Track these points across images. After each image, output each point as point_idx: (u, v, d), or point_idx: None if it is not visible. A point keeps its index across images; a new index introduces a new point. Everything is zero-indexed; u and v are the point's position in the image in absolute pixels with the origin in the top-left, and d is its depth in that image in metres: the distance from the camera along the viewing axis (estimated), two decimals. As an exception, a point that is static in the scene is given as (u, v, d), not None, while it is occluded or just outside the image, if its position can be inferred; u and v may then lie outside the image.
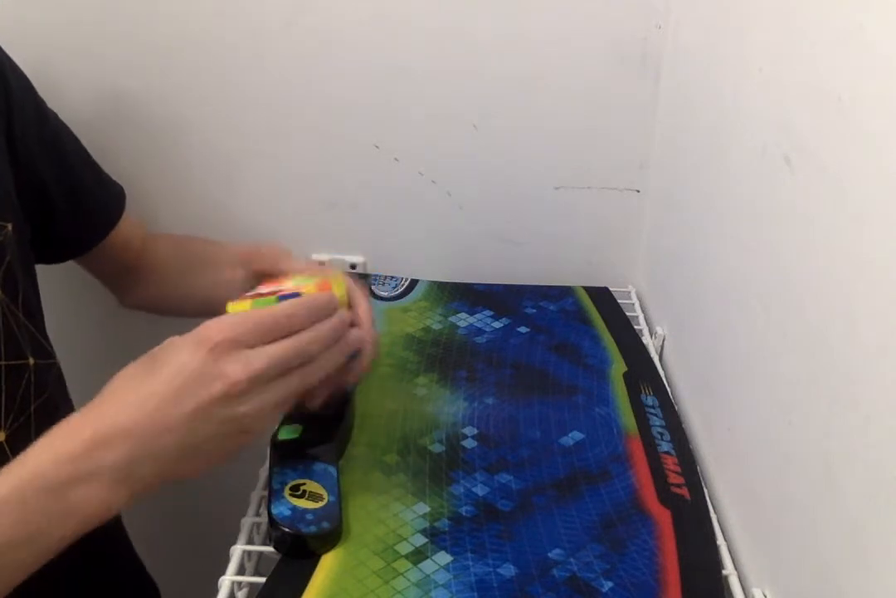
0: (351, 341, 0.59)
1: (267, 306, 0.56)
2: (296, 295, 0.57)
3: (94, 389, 0.74)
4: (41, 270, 0.72)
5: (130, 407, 0.50)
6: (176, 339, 0.53)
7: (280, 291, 0.58)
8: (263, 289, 0.60)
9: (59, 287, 0.79)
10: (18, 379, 0.63)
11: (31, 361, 0.65)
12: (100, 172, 0.78)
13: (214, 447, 0.52)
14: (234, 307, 0.57)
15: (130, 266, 0.81)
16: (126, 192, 0.80)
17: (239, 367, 0.51)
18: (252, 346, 0.52)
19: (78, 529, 0.49)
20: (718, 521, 0.63)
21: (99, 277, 0.83)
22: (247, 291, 0.61)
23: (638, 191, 0.93)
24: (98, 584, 0.75)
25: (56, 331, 0.72)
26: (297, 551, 0.57)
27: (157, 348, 0.53)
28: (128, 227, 0.79)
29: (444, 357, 0.80)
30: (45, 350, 0.69)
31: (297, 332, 0.54)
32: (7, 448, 0.61)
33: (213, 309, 0.70)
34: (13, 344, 0.63)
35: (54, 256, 0.76)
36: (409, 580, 0.56)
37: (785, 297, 0.56)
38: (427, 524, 0.60)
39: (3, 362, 0.61)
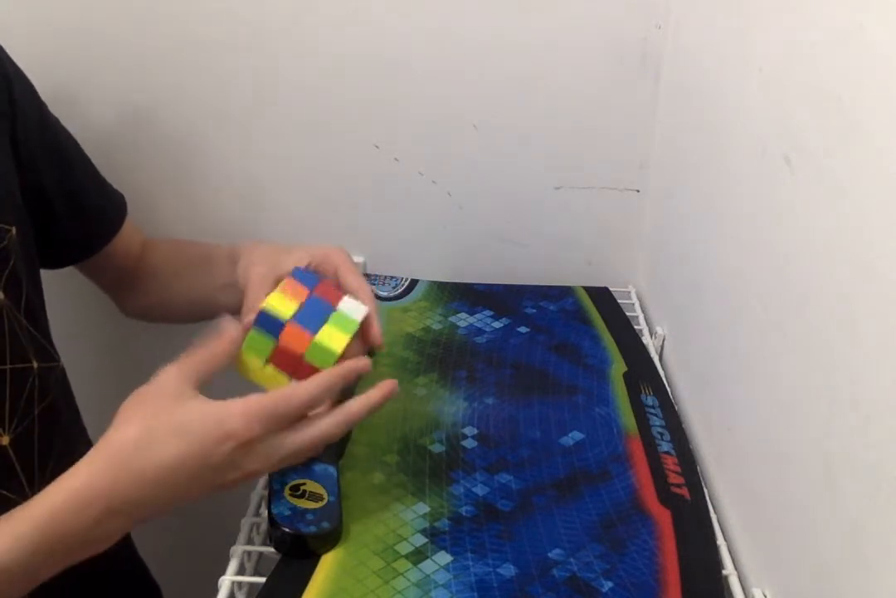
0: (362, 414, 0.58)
1: (293, 343, 0.58)
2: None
3: (97, 392, 0.74)
4: (45, 273, 0.72)
5: (144, 483, 0.52)
6: (200, 409, 0.53)
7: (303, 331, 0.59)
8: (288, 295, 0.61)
9: (64, 290, 0.79)
10: (22, 383, 0.63)
11: (35, 364, 0.65)
12: (101, 180, 0.78)
13: (216, 490, 0.55)
14: (269, 304, 0.59)
15: (130, 273, 0.81)
16: (124, 191, 0.80)
17: (259, 462, 0.54)
18: (275, 431, 0.54)
19: (89, 555, 0.53)
20: (718, 521, 0.63)
21: (100, 285, 0.82)
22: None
23: (638, 191, 0.93)
24: (100, 584, 0.75)
25: (60, 334, 0.72)
26: (297, 551, 0.57)
27: (181, 411, 0.53)
28: (128, 233, 0.79)
29: (444, 357, 0.80)
30: (48, 353, 0.69)
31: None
32: (11, 452, 0.61)
33: (212, 312, 0.70)
34: (17, 347, 0.63)
35: (56, 260, 0.75)
36: (409, 580, 0.56)
37: (785, 297, 0.56)
38: (427, 524, 0.60)
39: (7, 366, 0.61)
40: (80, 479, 0.51)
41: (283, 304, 0.59)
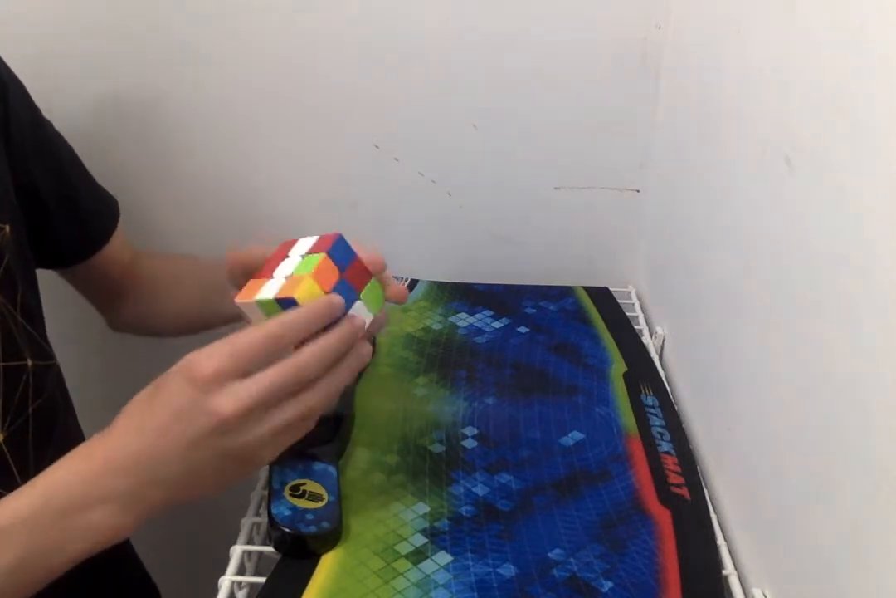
0: (361, 356, 0.55)
1: (269, 308, 0.54)
2: (291, 301, 0.53)
3: (93, 390, 0.74)
4: (41, 272, 0.72)
5: (134, 438, 0.51)
6: (176, 365, 0.52)
7: (280, 288, 0.55)
8: (269, 272, 0.57)
9: (59, 289, 0.79)
10: (16, 380, 0.63)
11: (30, 362, 0.65)
12: (95, 183, 0.78)
13: (217, 475, 0.52)
14: (239, 300, 0.55)
15: (119, 282, 0.80)
16: (122, 193, 0.80)
17: (226, 402, 0.49)
18: (241, 375, 0.50)
19: (86, 551, 0.51)
20: (718, 521, 0.63)
21: (88, 295, 0.81)
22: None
23: (638, 191, 0.93)
24: (99, 584, 0.75)
25: (56, 333, 0.72)
26: (297, 551, 0.57)
27: (161, 376, 0.53)
28: (120, 242, 0.79)
29: (444, 357, 0.80)
30: (43, 351, 0.69)
31: (294, 345, 0.52)
32: (5, 449, 0.61)
33: (198, 326, 0.69)
34: (11, 345, 0.63)
35: (49, 261, 0.75)
36: (409, 580, 0.56)
37: (785, 297, 0.56)
38: (427, 524, 0.60)
39: (0, 364, 0.61)
40: (76, 450, 0.52)
41: (313, 293, 0.54)
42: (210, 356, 0.50)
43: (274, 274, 0.56)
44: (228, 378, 0.50)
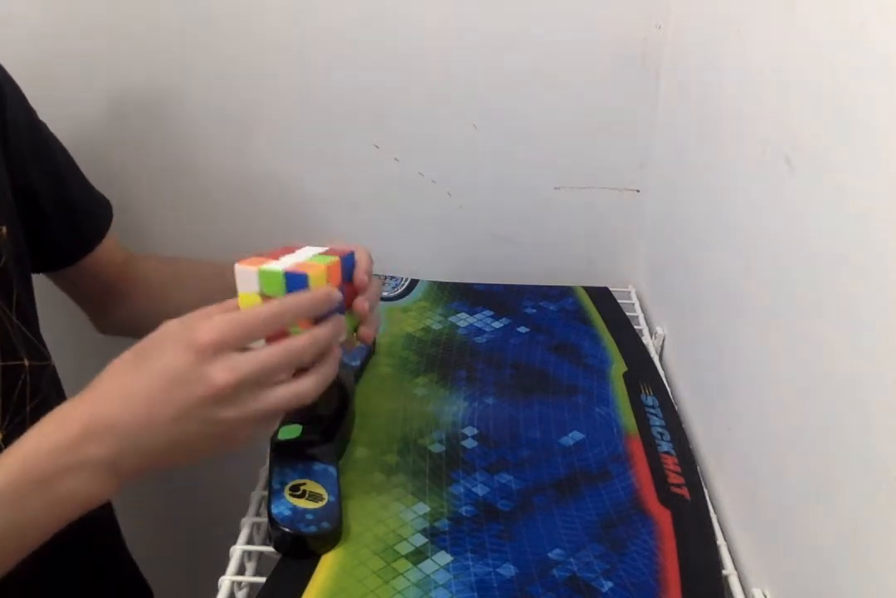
0: (338, 357, 0.56)
1: (271, 280, 0.54)
2: (302, 277, 0.54)
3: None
4: (35, 275, 0.72)
5: (118, 403, 0.51)
6: (168, 329, 0.52)
7: (290, 267, 0.55)
8: (275, 258, 0.57)
9: (55, 290, 0.79)
10: (14, 380, 0.64)
11: (26, 362, 0.65)
12: (89, 184, 0.78)
13: (201, 445, 0.52)
14: (241, 266, 0.55)
15: (111, 285, 0.80)
16: (120, 194, 0.80)
17: (225, 372, 0.50)
18: (241, 348, 0.51)
19: (64, 519, 0.50)
20: (718, 521, 0.63)
21: (79, 297, 0.81)
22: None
23: (638, 191, 0.93)
24: (92, 585, 0.75)
25: (51, 333, 0.72)
26: (297, 551, 0.57)
27: (148, 338, 0.52)
28: (112, 243, 0.78)
29: (444, 357, 0.80)
30: (39, 352, 0.69)
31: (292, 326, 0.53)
32: (4, 448, 0.61)
33: None
34: (7, 345, 0.63)
35: (42, 264, 0.74)
36: (409, 580, 0.56)
37: (785, 297, 0.56)
38: (427, 524, 0.60)
39: None
40: (51, 415, 0.51)
41: (321, 281, 0.56)
42: (213, 325, 0.51)
43: (281, 259, 0.57)
44: (229, 348, 0.50)
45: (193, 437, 0.51)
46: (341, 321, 0.56)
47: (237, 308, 0.54)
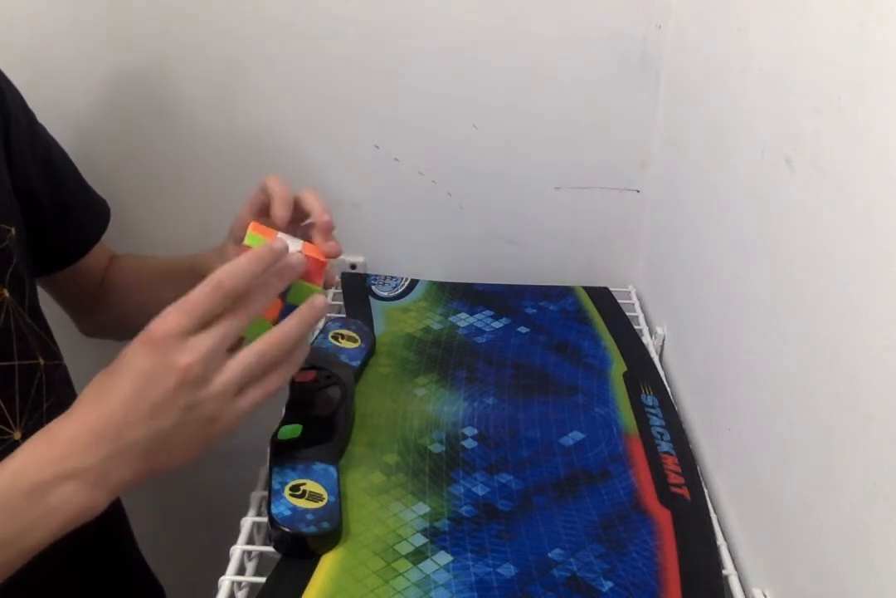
0: (317, 307, 0.56)
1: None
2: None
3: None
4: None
5: (95, 411, 0.51)
6: (133, 341, 0.53)
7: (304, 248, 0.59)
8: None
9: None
10: (30, 378, 0.64)
11: (41, 361, 0.65)
12: (87, 187, 0.78)
13: (185, 437, 0.52)
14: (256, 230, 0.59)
15: (96, 287, 0.80)
16: (118, 195, 0.80)
17: (185, 353, 0.51)
18: (196, 331, 0.51)
19: (57, 530, 0.50)
20: (718, 521, 0.63)
21: (64, 300, 0.80)
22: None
23: (638, 191, 0.93)
24: (103, 585, 0.75)
25: (61, 334, 0.72)
26: (297, 551, 0.57)
27: (122, 353, 0.53)
28: (100, 245, 0.78)
29: (444, 357, 0.80)
30: (52, 351, 0.69)
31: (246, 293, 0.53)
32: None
33: None
34: (22, 344, 0.63)
35: (39, 266, 0.74)
36: (409, 580, 0.56)
37: (785, 297, 0.56)
38: (427, 524, 0.60)
39: (14, 362, 0.62)
40: (38, 434, 0.52)
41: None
42: (163, 319, 0.51)
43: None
44: (185, 335, 0.51)
45: (177, 428, 0.51)
46: (291, 258, 0.56)
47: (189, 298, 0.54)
